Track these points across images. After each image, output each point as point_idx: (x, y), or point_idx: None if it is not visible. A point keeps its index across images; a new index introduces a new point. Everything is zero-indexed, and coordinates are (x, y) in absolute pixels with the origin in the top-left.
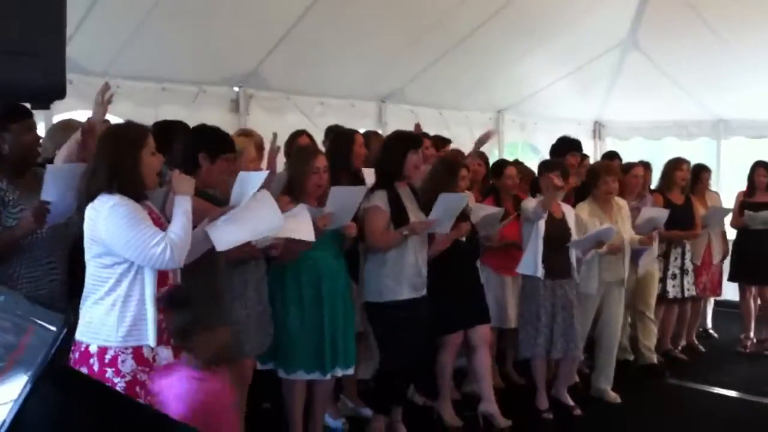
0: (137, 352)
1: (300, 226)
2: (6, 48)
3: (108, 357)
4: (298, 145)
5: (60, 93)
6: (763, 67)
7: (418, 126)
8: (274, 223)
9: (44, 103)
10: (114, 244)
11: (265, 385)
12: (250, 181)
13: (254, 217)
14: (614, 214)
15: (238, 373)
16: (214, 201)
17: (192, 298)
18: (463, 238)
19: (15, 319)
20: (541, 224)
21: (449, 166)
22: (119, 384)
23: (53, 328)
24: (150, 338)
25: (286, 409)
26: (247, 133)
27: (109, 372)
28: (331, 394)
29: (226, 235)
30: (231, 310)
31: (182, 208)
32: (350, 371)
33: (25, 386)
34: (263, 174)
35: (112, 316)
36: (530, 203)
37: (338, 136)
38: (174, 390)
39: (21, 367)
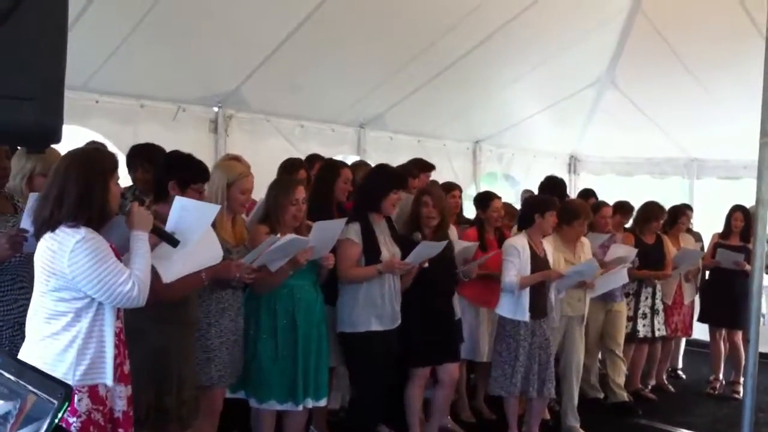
0: (93, 391)
1: (206, 251)
2: (2, 92)
3: None
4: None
5: (56, 137)
6: (738, 109)
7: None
8: (215, 257)
9: (39, 147)
10: (80, 279)
11: (234, 414)
12: (202, 213)
13: (198, 250)
14: (578, 250)
15: (209, 402)
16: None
17: None
18: (426, 264)
19: (12, 386)
20: (527, 268)
21: None
22: (74, 424)
23: (53, 401)
24: (108, 377)
25: None
26: (236, 159)
27: None
28: (302, 426)
29: (173, 266)
30: (206, 338)
31: (142, 248)
32: (321, 403)
33: None
34: (216, 208)
35: (70, 354)
36: (512, 265)
37: (325, 168)
38: None
39: None
